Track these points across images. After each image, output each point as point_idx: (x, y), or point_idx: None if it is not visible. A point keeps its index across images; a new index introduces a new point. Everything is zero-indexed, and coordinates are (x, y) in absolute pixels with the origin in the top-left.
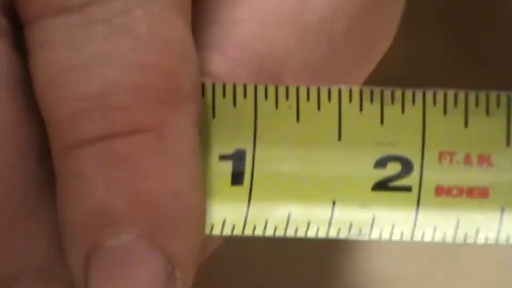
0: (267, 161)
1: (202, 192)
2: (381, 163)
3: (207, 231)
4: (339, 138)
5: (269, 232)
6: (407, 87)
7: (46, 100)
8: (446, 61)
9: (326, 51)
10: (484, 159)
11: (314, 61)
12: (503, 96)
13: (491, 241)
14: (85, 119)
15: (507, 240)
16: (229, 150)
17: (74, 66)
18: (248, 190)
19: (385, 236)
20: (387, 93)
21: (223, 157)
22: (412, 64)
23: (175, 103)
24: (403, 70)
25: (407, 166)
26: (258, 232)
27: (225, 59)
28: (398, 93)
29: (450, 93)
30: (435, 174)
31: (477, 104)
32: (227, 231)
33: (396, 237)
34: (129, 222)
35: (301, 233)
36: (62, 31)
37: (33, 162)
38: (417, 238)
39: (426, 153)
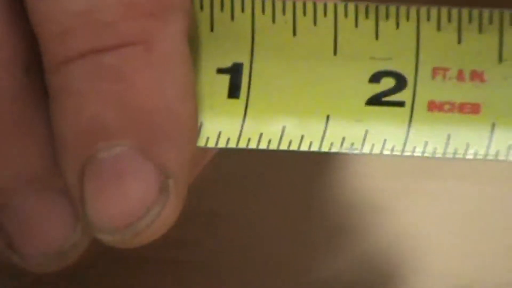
0: (263, 75)
1: (193, 103)
2: (375, 78)
3: (202, 143)
4: (335, 52)
5: (263, 146)
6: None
7: (36, 16)
8: None
9: None
10: (477, 75)
11: None
12: (496, 13)
13: (480, 156)
14: (75, 34)
15: (496, 155)
16: (226, 63)
17: None
18: (244, 104)
19: (376, 150)
20: (382, 8)
21: (220, 71)
22: None
23: (163, 14)
24: None
25: (400, 82)
26: (252, 145)
27: None
28: (392, 9)
29: (444, 9)
30: (428, 89)
31: (470, 21)
32: (221, 144)
33: (387, 151)
34: (120, 134)
35: (294, 147)
36: None
37: (19, 74)
38: (408, 153)
39: (419, 69)
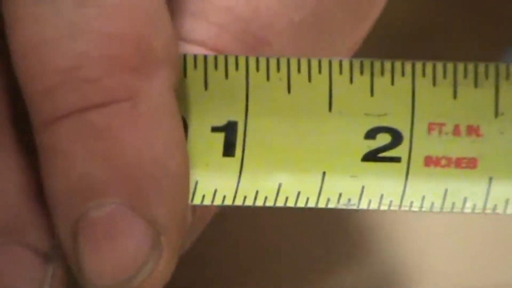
0: (258, 132)
1: (182, 156)
2: (371, 134)
3: (198, 201)
4: (330, 109)
5: (259, 203)
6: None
7: (22, 74)
8: (453, 16)
9: (313, 7)
10: (473, 130)
11: (300, 17)
12: (492, 67)
13: (478, 210)
14: (59, 93)
15: (494, 209)
16: (221, 121)
17: (44, 40)
18: (239, 161)
19: (374, 206)
20: (377, 64)
21: (215, 129)
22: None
23: (148, 70)
24: (412, 25)
25: (396, 137)
26: (248, 202)
27: (209, 26)
28: (387, 64)
29: (439, 65)
30: (424, 145)
31: (465, 75)
32: (217, 201)
33: (384, 207)
34: (110, 192)
35: (290, 203)
36: (31, 6)
37: None
38: (405, 208)
39: (415, 124)
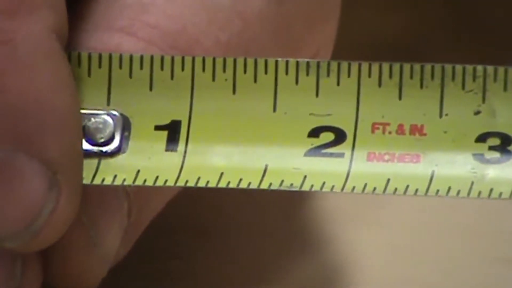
0: (201, 132)
1: (69, 93)
2: (314, 133)
3: (140, 182)
4: (274, 110)
5: (202, 185)
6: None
7: None
8: (444, 32)
9: (239, 28)
10: (417, 129)
11: (226, 37)
12: (438, 68)
13: (420, 193)
14: None
15: (437, 192)
16: (164, 121)
17: None
18: (182, 156)
19: (316, 189)
20: (323, 65)
21: (158, 127)
22: (412, 32)
23: (25, 12)
24: (401, 39)
25: (340, 136)
26: (190, 184)
27: (137, 41)
28: (334, 65)
29: (386, 65)
30: (367, 143)
31: (411, 76)
32: (159, 184)
33: (327, 189)
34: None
35: (232, 185)
36: None
37: None
38: (348, 191)
39: (359, 124)
